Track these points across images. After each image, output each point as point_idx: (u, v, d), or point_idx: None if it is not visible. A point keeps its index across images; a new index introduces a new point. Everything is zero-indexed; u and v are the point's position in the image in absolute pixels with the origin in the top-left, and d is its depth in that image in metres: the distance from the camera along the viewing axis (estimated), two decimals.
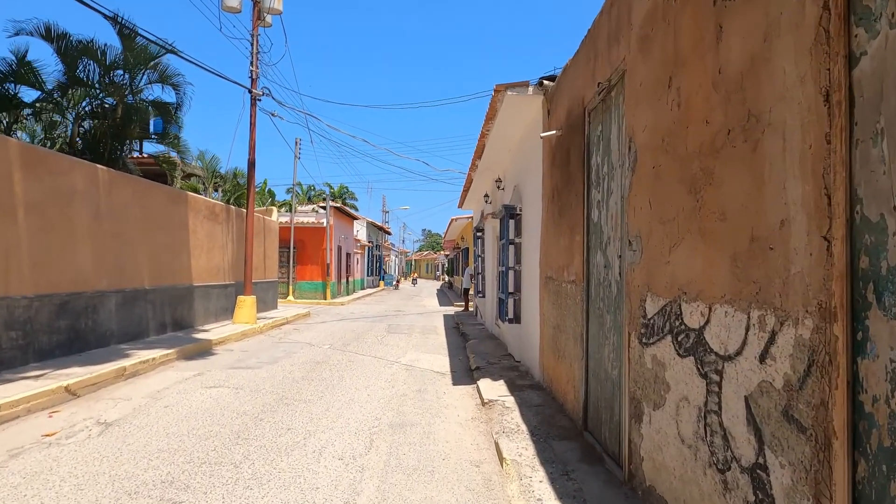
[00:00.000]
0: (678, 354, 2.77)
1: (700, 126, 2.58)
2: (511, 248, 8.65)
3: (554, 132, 5.68)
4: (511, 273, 8.66)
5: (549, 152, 6.29)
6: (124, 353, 8.29)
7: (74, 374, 6.69)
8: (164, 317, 10.55)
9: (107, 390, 6.71)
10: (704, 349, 2.51)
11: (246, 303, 12.68)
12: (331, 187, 47.90)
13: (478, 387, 6.79)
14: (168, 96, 10.89)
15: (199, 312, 12.09)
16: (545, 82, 6.44)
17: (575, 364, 4.93)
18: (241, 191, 15.76)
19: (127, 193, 9.28)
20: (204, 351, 9.62)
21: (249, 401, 6.21)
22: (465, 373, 8.20)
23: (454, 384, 7.39)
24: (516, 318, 8.50)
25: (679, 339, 2.77)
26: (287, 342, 11.24)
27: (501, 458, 4.26)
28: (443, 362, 9.13)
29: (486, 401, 6.06)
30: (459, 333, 13.25)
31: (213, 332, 11.31)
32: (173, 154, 12.23)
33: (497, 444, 4.55)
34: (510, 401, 5.93)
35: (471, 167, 12.03)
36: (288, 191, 42.95)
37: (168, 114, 10.71)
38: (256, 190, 35.70)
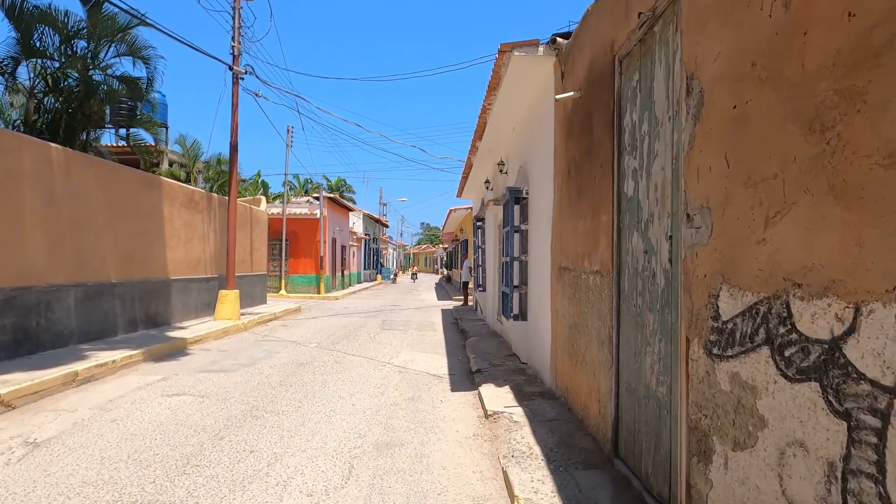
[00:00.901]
0: (785, 377, 1.87)
1: (834, 25, 1.66)
2: (516, 236, 7.74)
3: (571, 94, 4.75)
4: (516, 264, 7.75)
5: (564, 122, 5.37)
6: (82, 354, 7.38)
7: (13, 382, 5.77)
8: (136, 313, 9.63)
9: (51, 400, 5.81)
10: (845, 373, 1.60)
11: (228, 298, 11.76)
12: (328, 180, 46.78)
13: (480, 394, 5.89)
14: (139, 72, 9.84)
15: (177, 308, 11.18)
16: (559, 40, 5.50)
17: (600, 373, 4.03)
18: (225, 178, 14.83)
19: (89, 176, 8.33)
20: (176, 351, 8.71)
21: (213, 413, 5.31)
22: (464, 376, 7.31)
23: (452, 390, 6.49)
24: (522, 315, 7.59)
25: (787, 353, 1.86)
26: (271, 340, 10.33)
27: (512, 496, 3.36)
28: (440, 363, 8.23)
29: (489, 412, 5.16)
30: (458, 330, 12.36)
31: (190, 329, 10.40)
32: (148, 139, 11.24)
33: (505, 474, 3.65)
34: (518, 413, 5.03)
35: (470, 150, 11.09)
36: (285, 184, 41.97)
37: (137, 90, 9.73)
38: (249, 181, 34.80)
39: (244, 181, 28.62)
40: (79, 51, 8.81)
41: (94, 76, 8.96)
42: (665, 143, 2.96)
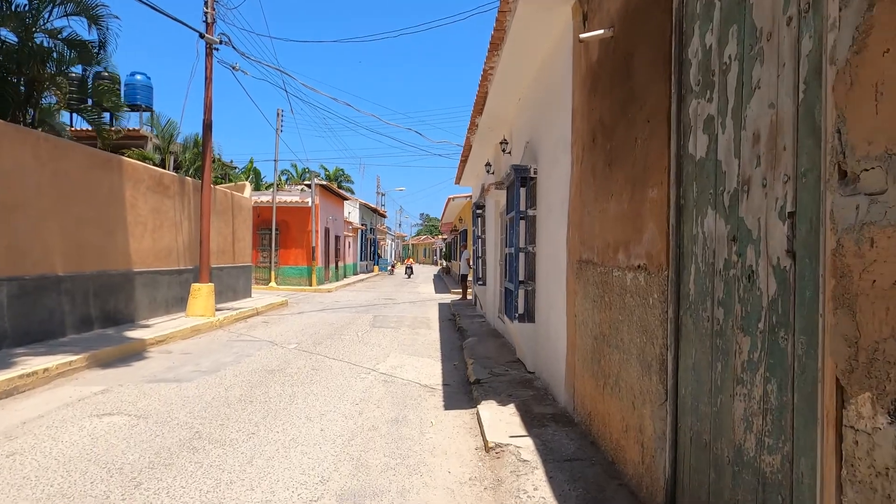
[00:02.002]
0: None
1: None
2: (522, 223, 6.62)
3: (601, 32, 3.60)
4: (522, 256, 6.64)
5: (587, 76, 4.23)
6: (10, 361, 6.27)
7: None
8: (90, 310, 8.52)
9: None
10: None
11: (201, 292, 10.65)
12: (326, 169, 45.63)
13: (478, 415, 4.80)
14: (94, 36, 8.63)
15: (143, 304, 10.07)
16: None
17: (644, 407, 2.92)
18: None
19: (24, 154, 7.18)
20: (131, 355, 7.61)
21: (144, 442, 4.21)
22: (461, 387, 6.21)
23: (446, 408, 5.40)
24: (529, 316, 6.49)
25: None
26: (246, 340, 9.24)
27: None
28: (433, 370, 7.14)
29: (491, 444, 4.06)
30: (455, 328, 11.26)
31: (156, 327, 9.30)
32: (132, 122, 10.04)
33: None
34: (528, 446, 3.93)
35: (469, 128, 9.94)
36: (283, 172, 40.82)
37: (87, 54, 8.54)
38: (240, 170, 33.61)
39: (234, 168, 27.45)
40: (16, 7, 7.62)
41: (35, 37, 7.77)
42: (780, 62, 1.83)
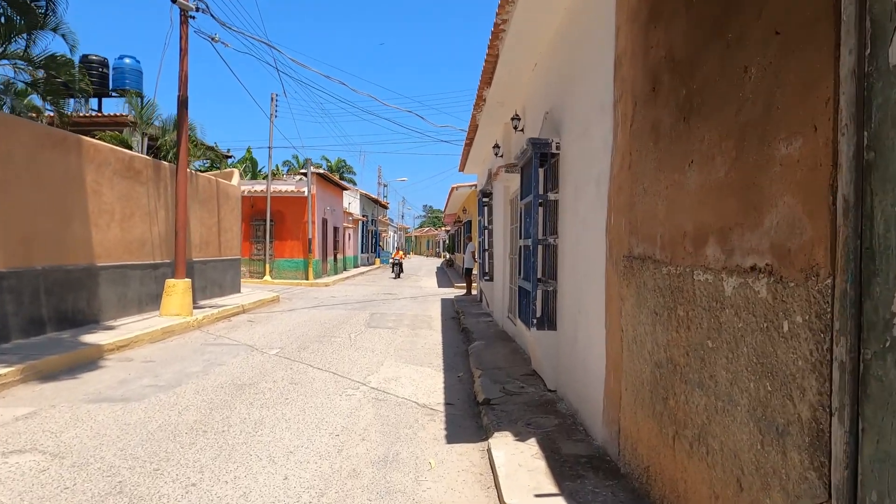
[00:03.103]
0: None
1: None
2: (540, 210, 5.49)
3: None
4: (540, 250, 5.52)
5: (641, 3, 3.08)
6: None
7: None
8: (41, 311, 7.45)
9: None
10: None
11: (176, 289, 9.56)
12: (328, 161, 44.45)
13: (491, 456, 3.70)
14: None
15: (110, 302, 8.99)
16: None
17: (773, 495, 1.80)
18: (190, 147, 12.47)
19: None
20: (82, 363, 6.54)
21: (45, 499, 3.13)
22: (467, 409, 5.12)
23: (449, 440, 4.30)
24: (549, 322, 5.38)
25: None
26: (222, 344, 8.16)
27: None
28: (434, 383, 6.05)
29: None
30: (460, 328, 10.17)
31: (121, 329, 8.23)
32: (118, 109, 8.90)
33: None
34: None
35: (476, 104, 8.76)
36: (285, 163, 39.69)
37: (32, 16, 7.39)
38: (236, 160, 32.50)
39: (229, 157, 26.34)
40: None
41: None
42: None
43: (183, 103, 9.67)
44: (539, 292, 5.42)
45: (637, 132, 3.14)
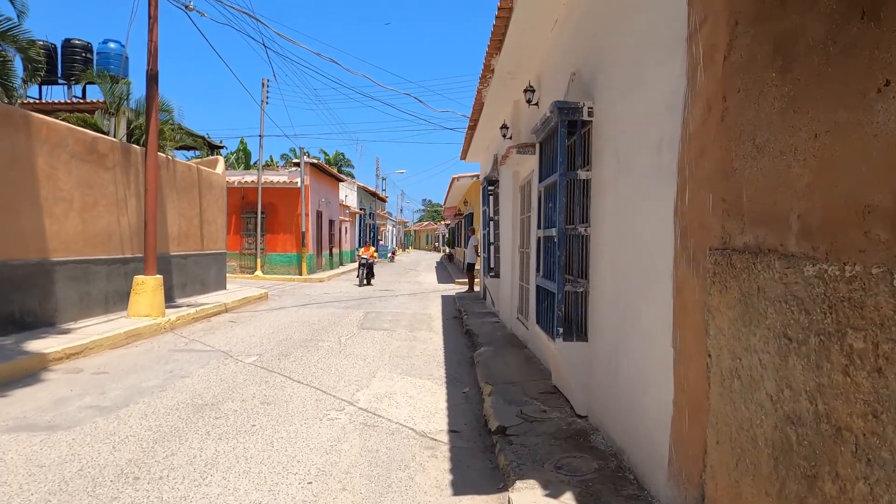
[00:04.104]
0: None
1: None
2: (566, 191, 4.45)
3: None
4: (565, 242, 4.49)
5: None
6: None
7: None
8: None
9: None
10: None
11: (146, 287, 8.53)
12: (325, 153, 43.24)
13: None
14: None
15: (69, 302, 7.97)
16: None
17: None
18: (166, 128, 11.42)
19: None
20: (19, 377, 5.52)
21: None
22: (476, 438, 4.11)
23: (456, 490, 3.28)
24: (578, 332, 4.36)
25: None
26: (193, 350, 7.14)
27: None
28: (435, 401, 5.05)
29: None
30: (463, 330, 9.16)
31: (77, 333, 7.21)
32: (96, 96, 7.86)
33: None
34: None
35: (482, 77, 7.69)
36: (283, 156, 38.62)
37: None
38: (230, 152, 31.36)
39: (222, 147, 25.24)
40: None
41: None
42: None
43: (153, 78, 8.60)
44: (561, 294, 4.39)
45: (740, 64, 2.11)
